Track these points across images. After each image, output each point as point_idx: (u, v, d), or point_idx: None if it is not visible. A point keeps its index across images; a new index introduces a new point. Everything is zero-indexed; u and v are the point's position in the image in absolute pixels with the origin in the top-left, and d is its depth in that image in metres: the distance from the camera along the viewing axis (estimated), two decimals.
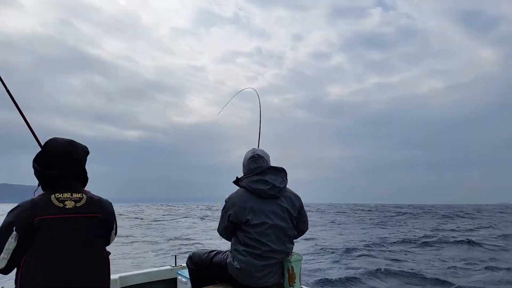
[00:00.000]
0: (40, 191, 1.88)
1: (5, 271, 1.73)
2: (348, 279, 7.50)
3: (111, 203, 2.02)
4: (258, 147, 3.07)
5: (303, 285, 2.48)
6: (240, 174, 2.61)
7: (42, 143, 1.96)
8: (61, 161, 1.86)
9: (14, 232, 1.69)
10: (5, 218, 1.74)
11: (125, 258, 10.35)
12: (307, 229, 2.62)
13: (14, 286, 1.74)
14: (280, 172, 2.52)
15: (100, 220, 1.89)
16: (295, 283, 2.40)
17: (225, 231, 2.49)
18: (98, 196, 1.96)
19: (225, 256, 2.50)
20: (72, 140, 1.93)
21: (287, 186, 2.55)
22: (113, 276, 2.89)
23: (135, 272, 3.15)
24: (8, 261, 1.69)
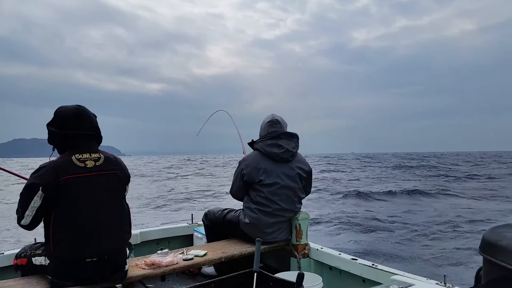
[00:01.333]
0: (56, 155, 2.00)
1: (29, 227, 1.92)
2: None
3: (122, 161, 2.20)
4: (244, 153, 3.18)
5: (309, 241, 2.67)
6: (256, 134, 2.77)
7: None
8: (75, 122, 1.99)
9: (40, 192, 1.82)
10: (29, 179, 1.87)
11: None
12: (310, 191, 2.85)
13: (45, 241, 1.93)
14: (294, 138, 2.67)
15: (118, 176, 2.07)
16: (301, 239, 2.61)
17: (239, 190, 2.67)
18: (112, 154, 2.13)
19: (237, 214, 2.72)
20: (80, 105, 2.06)
21: (298, 151, 2.69)
22: (134, 231, 3.16)
23: (155, 228, 3.42)
24: (32, 218, 1.88)
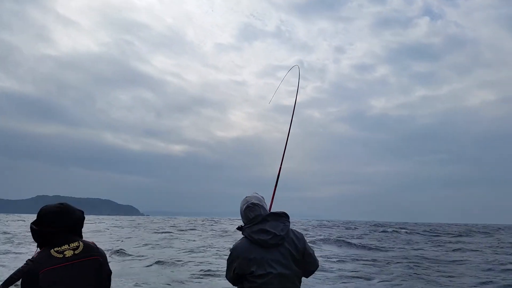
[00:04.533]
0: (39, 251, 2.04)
1: None
2: None
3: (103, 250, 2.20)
4: (289, 133, 3.21)
5: None
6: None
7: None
8: (54, 221, 2.02)
9: None
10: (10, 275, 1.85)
11: None
12: (317, 267, 2.53)
13: None
14: (281, 217, 2.48)
15: (99, 262, 2.06)
16: None
17: (232, 280, 2.52)
18: (92, 242, 2.14)
19: None
20: (64, 203, 2.11)
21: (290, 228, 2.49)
22: None
23: None
24: None
